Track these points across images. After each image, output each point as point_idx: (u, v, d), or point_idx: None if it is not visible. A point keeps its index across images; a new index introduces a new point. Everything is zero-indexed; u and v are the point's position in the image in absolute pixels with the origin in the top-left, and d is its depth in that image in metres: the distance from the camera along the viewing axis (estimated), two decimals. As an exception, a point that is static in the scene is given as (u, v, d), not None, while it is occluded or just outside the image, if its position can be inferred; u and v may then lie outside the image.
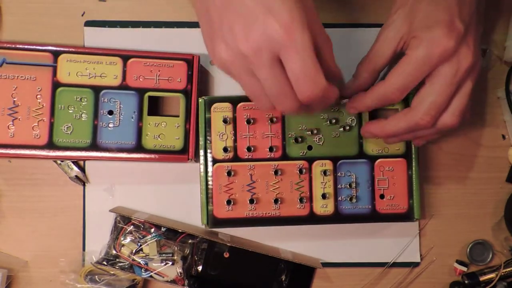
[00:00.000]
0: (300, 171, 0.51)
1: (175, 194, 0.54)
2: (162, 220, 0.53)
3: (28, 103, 0.50)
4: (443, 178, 0.56)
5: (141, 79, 0.50)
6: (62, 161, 0.53)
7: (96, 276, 0.52)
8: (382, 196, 0.52)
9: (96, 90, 0.50)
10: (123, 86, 0.51)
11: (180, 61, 0.51)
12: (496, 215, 0.56)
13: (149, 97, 0.51)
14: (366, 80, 0.48)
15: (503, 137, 0.56)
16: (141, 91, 0.50)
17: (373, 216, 0.52)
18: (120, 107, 0.51)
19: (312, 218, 0.52)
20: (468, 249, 0.55)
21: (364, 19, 0.55)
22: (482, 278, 0.54)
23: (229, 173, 0.51)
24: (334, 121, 0.51)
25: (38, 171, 0.54)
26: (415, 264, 0.55)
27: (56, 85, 0.50)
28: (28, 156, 0.50)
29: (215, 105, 0.51)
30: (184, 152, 0.51)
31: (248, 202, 0.51)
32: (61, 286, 0.53)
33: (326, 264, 0.55)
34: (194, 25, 0.54)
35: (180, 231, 0.52)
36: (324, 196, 0.51)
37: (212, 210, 0.51)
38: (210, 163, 0.51)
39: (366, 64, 0.48)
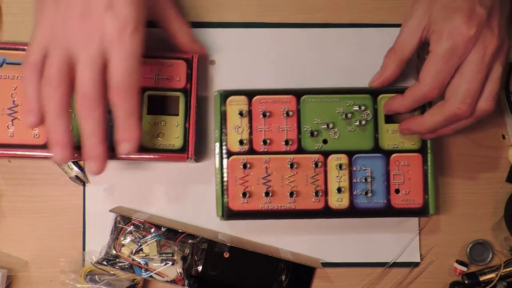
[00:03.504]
0: (316, 165, 0.51)
1: (175, 194, 0.54)
2: (162, 220, 0.53)
3: None
4: (443, 178, 0.55)
5: (141, 78, 0.50)
6: (62, 161, 0.53)
7: (96, 276, 0.52)
8: (397, 191, 0.52)
9: None
10: None
11: (180, 60, 0.51)
12: (496, 215, 0.56)
13: (149, 96, 0.51)
14: (393, 72, 0.49)
15: (503, 137, 0.56)
16: (140, 90, 0.50)
17: (388, 211, 0.52)
18: None
19: (327, 212, 0.51)
20: (468, 249, 0.55)
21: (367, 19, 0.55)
22: (482, 278, 0.54)
23: (244, 166, 0.51)
24: (350, 115, 0.51)
25: (38, 171, 0.54)
26: (415, 264, 0.55)
27: None
28: (28, 156, 0.50)
29: (230, 98, 0.51)
30: (183, 151, 0.51)
31: (264, 195, 0.51)
32: (61, 286, 0.53)
33: (326, 264, 0.55)
34: (193, 25, 0.54)
35: (180, 231, 0.52)
36: (339, 190, 0.51)
37: (227, 202, 0.51)
38: (225, 156, 0.51)
39: (393, 55, 0.49)
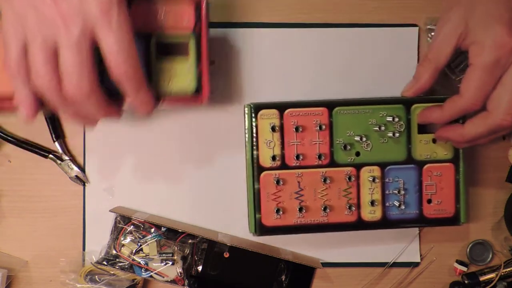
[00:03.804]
0: (349, 178, 0.50)
1: (175, 194, 0.54)
2: (162, 220, 0.53)
3: None
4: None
5: (147, 22, 0.46)
6: (62, 161, 0.53)
7: (96, 276, 0.52)
8: (429, 201, 0.51)
9: None
10: None
11: (187, 2, 0.46)
12: (496, 215, 0.56)
13: (157, 40, 0.46)
14: (427, 81, 0.48)
15: (503, 137, 0.56)
16: (147, 35, 0.46)
17: (420, 221, 0.52)
18: None
19: (360, 224, 0.51)
20: (468, 249, 0.55)
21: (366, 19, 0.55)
22: (482, 278, 0.54)
23: (277, 182, 0.50)
24: (383, 127, 0.50)
25: (38, 171, 0.54)
26: (415, 264, 0.55)
27: None
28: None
29: (261, 112, 0.50)
30: (197, 93, 0.46)
31: (297, 210, 0.50)
32: (61, 286, 0.53)
33: (326, 264, 0.55)
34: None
35: (180, 231, 0.52)
36: (372, 203, 0.51)
37: (260, 218, 0.50)
38: (256, 171, 0.50)
39: (427, 63, 0.48)
